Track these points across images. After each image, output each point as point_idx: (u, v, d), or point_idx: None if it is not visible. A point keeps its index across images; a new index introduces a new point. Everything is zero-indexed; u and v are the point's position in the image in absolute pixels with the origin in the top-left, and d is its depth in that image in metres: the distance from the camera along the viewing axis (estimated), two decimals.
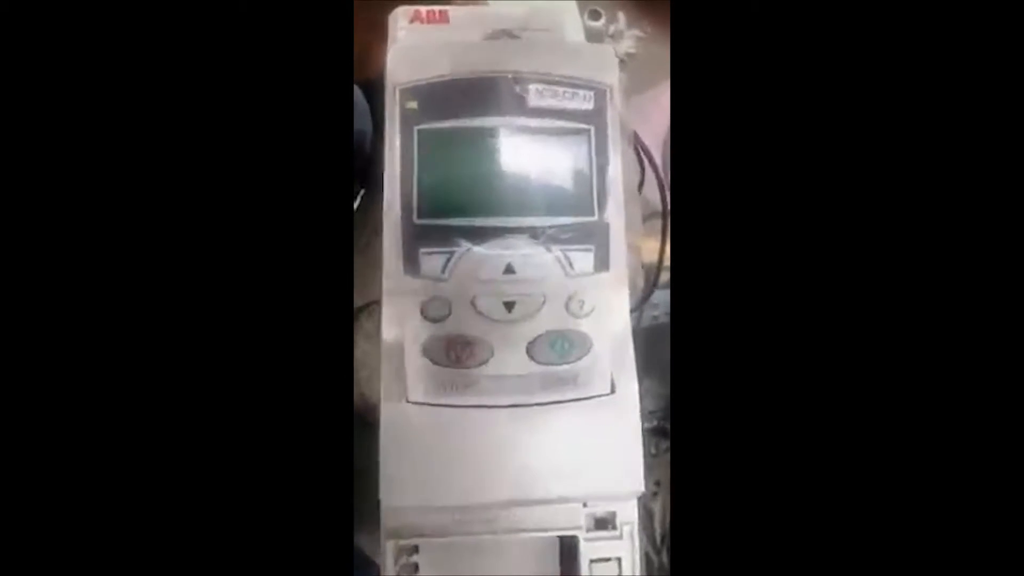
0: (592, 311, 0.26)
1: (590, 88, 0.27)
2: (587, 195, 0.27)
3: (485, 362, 0.26)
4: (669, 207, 0.41)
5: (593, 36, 0.70)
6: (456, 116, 0.27)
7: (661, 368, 0.30)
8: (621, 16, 0.71)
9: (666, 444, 0.50)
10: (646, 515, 0.50)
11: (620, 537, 0.27)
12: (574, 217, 0.27)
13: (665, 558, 0.48)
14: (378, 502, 0.25)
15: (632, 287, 0.28)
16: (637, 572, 0.27)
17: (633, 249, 0.39)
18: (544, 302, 0.26)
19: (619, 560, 0.26)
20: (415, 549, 0.26)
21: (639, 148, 0.36)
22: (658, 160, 0.62)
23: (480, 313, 0.26)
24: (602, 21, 0.73)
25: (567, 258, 0.26)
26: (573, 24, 0.31)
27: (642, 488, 0.26)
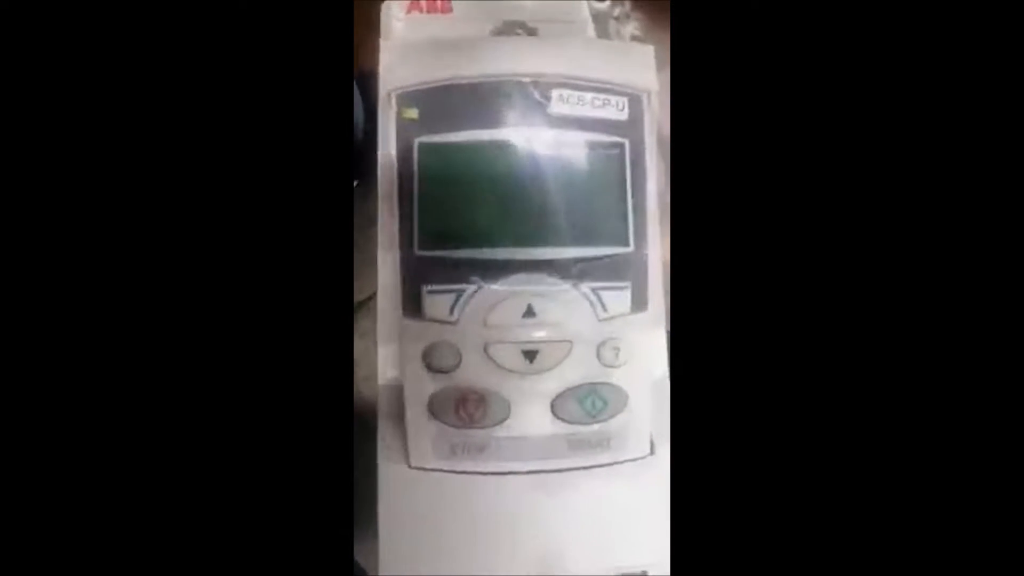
0: (628, 360, 0.22)
1: (624, 94, 0.23)
2: (621, 222, 0.23)
3: (501, 421, 0.22)
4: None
5: (599, 19, 0.66)
6: (464, 127, 0.23)
7: None
8: None
9: None
10: None
11: None
12: (606, 248, 0.23)
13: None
14: None
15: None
16: None
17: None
18: (571, 350, 0.22)
19: None
20: None
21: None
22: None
23: (495, 363, 0.22)
24: (607, 3, 0.69)
25: (598, 297, 0.22)
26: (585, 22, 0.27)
27: None
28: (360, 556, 0.30)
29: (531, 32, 0.26)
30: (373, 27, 0.27)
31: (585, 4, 0.26)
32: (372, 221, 0.23)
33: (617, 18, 0.71)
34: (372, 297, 0.44)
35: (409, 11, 0.26)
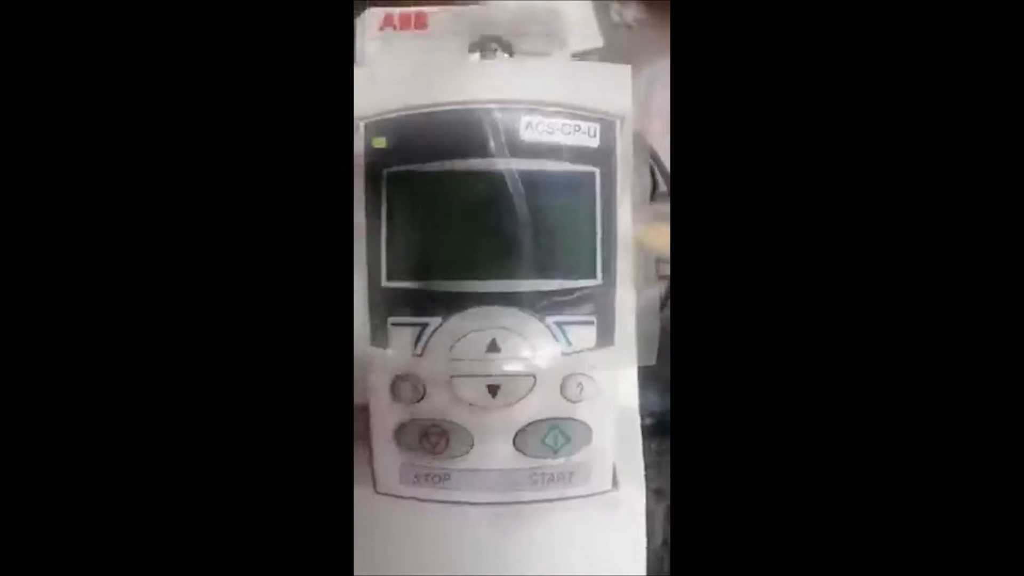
0: (593, 395, 0.22)
1: (596, 120, 0.23)
2: (589, 254, 0.22)
3: (464, 454, 0.22)
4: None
5: (600, 4, 0.64)
6: (433, 157, 0.22)
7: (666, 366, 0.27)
8: None
9: (667, 443, 0.47)
10: (649, 516, 0.47)
11: None
12: (573, 281, 0.22)
13: (664, 563, 0.45)
14: None
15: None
16: None
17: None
18: (535, 385, 0.22)
19: None
20: None
21: (654, 165, 0.31)
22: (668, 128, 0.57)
23: (458, 397, 0.22)
24: None
25: (563, 331, 0.22)
26: (582, 26, 0.26)
27: None
28: None
29: (506, 47, 0.25)
30: None
31: (575, 14, 0.25)
32: None
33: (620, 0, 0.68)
34: None
35: (383, 27, 0.25)
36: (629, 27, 0.63)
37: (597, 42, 0.62)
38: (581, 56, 0.61)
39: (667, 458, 0.45)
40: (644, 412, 0.24)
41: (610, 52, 0.64)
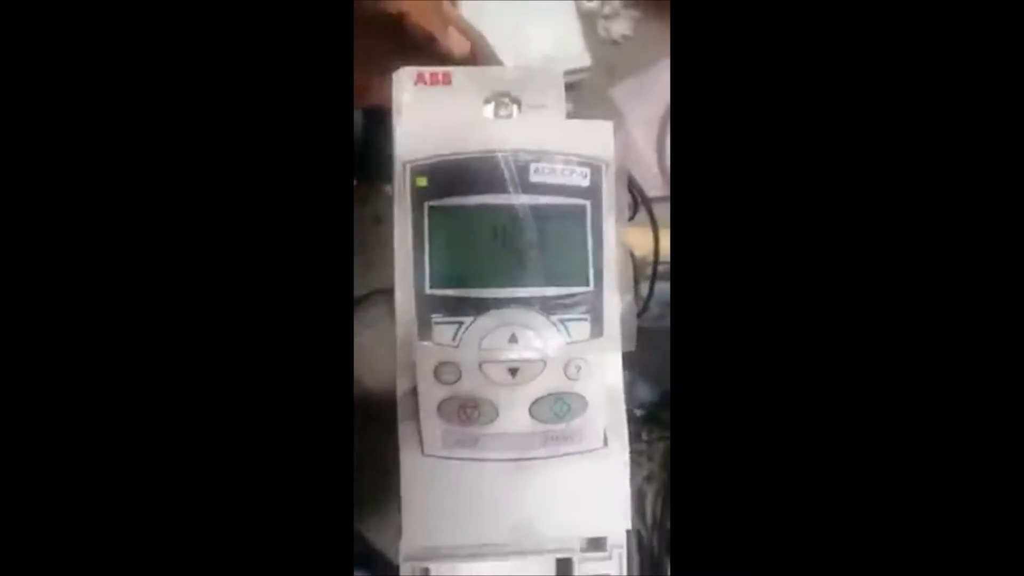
0: (588, 375, 0.29)
1: (587, 165, 0.29)
2: (583, 266, 0.29)
3: (491, 421, 0.29)
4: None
5: (587, 17, 0.69)
6: (463, 193, 0.29)
7: (655, 364, 0.34)
8: None
9: (657, 432, 0.54)
10: (639, 497, 0.54)
11: (610, 558, 0.31)
12: (571, 287, 0.29)
13: (656, 539, 0.52)
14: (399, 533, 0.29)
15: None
16: None
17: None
18: (544, 368, 0.29)
19: None
20: (427, 570, 0.30)
21: (633, 188, 0.38)
22: (654, 136, 0.64)
23: (487, 377, 0.29)
24: (596, 1, 0.73)
25: (565, 326, 0.29)
26: (556, 93, 0.32)
27: (629, 525, 0.30)
28: (369, 532, 0.37)
29: (515, 100, 0.32)
30: (377, 70, 0.33)
31: (554, 81, 0.32)
32: (377, 220, 0.29)
33: (607, 16, 0.74)
34: (376, 292, 0.50)
35: (416, 83, 0.32)
36: (615, 43, 0.67)
37: (586, 62, 0.68)
38: (572, 74, 0.66)
39: (656, 446, 0.52)
40: (636, 404, 0.31)
41: (598, 69, 0.70)
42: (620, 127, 0.31)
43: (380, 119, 0.48)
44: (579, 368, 0.29)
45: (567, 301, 0.29)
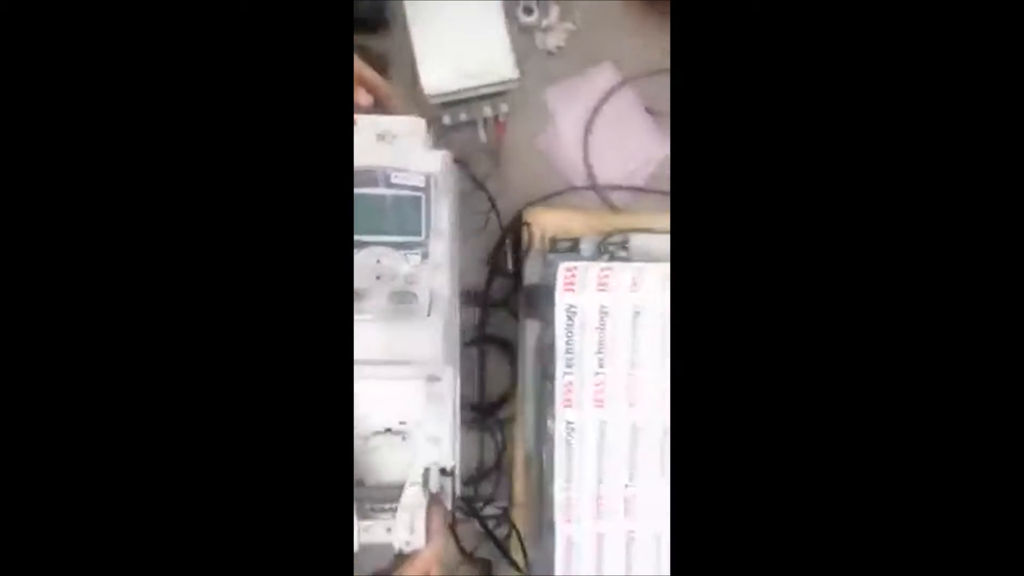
0: (418, 282, 0.57)
1: (423, 174, 0.57)
2: (418, 226, 0.57)
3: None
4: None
5: (524, 30, 0.85)
6: (359, 187, 0.57)
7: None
8: (554, 10, 0.82)
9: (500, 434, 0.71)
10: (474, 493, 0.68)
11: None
12: (411, 237, 0.57)
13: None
14: None
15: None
16: None
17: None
18: (396, 276, 0.57)
19: None
20: None
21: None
22: (581, 133, 0.76)
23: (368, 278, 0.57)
24: (534, 16, 0.80)
25: (406, 257, 0.57)
26: (415, 132, 0.59)
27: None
28: None
29: (393, 135, 0.59)
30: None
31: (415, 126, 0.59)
32: None
33: (544, 30, 0.92)
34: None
35: None
36: (550, 53, 0.79)
37: (515, 75, 0.87)
38: (501, 85, 0.87)
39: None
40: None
41: (534, 75, 0.84)
42: (551, 125, 0.54)
43: None
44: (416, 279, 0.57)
45: (409, 243, 0.57)
